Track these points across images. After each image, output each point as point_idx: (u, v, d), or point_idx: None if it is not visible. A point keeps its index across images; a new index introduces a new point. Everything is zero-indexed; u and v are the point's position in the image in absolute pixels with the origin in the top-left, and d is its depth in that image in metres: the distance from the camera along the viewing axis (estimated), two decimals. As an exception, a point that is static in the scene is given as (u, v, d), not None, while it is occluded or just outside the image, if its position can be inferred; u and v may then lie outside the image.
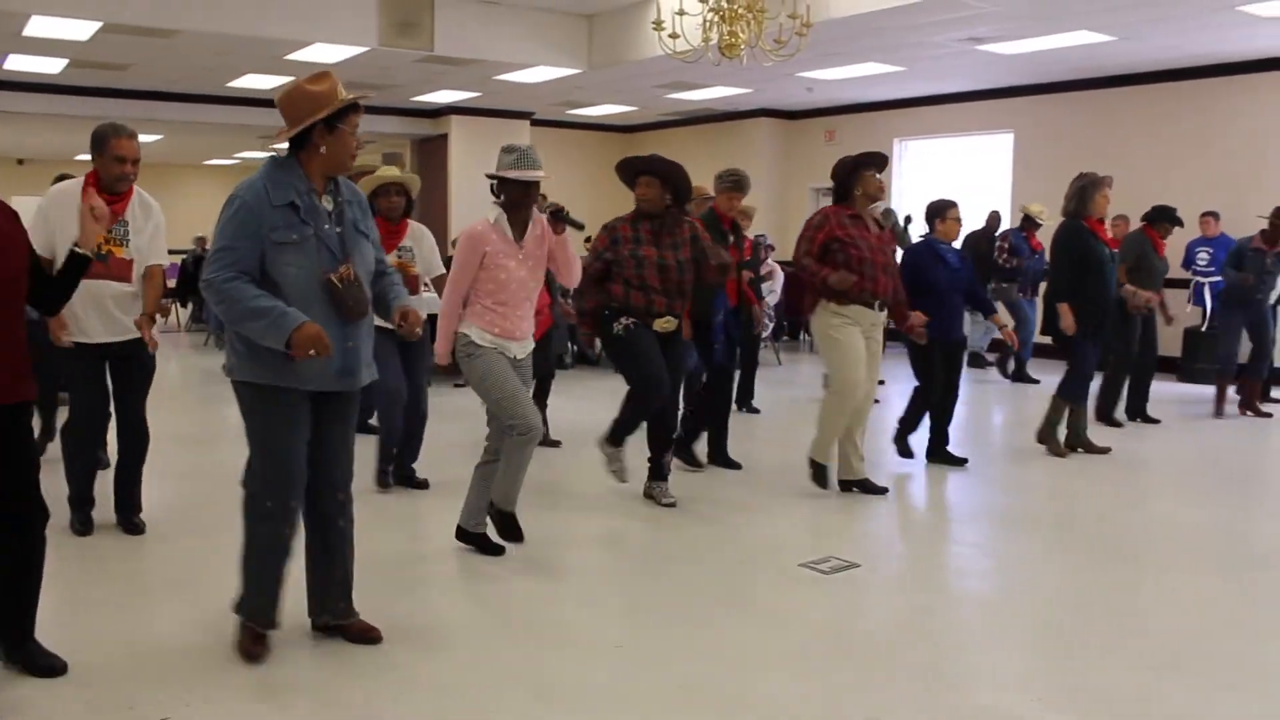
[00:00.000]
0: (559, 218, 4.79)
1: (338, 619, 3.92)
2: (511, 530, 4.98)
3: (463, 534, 5.04)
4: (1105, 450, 7.46)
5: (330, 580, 3.89)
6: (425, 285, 6.47)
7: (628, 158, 5.93)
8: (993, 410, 9.78)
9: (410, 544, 5.32)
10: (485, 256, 4.70)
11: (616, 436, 5.78)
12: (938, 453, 7.07)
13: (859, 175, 5.92)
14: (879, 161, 6.02)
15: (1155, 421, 8.70)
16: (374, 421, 6.79)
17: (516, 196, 4.72)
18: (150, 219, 5.05)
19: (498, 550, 4.97)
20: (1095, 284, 7.07)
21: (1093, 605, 4.49)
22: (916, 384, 6.97)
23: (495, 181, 4.76)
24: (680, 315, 5.77)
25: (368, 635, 3.89)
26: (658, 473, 5.99)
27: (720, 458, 6.93)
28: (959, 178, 14.22)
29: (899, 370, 10.47)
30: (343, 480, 3.84)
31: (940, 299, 6.71)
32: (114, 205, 4.80)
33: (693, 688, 3.59)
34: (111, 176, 4.81)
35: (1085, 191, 7.16)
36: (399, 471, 6.24)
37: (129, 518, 5.26)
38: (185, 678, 3.59)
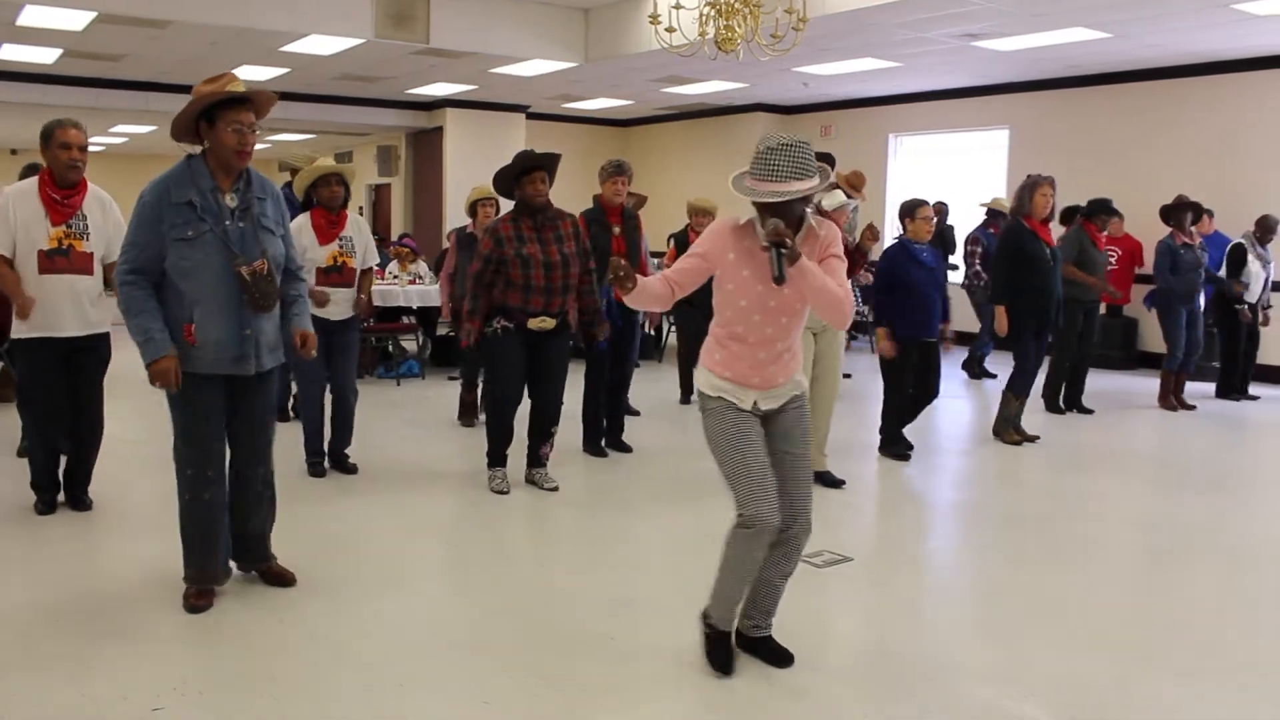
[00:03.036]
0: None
1: (254, 564, 4.37)
2: (718, 655, 3.64)
3: (707, 624, 3.71)
4: (1035, 438, 7.64)
5: (247, 531, 4.28)
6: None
7: (512, 163, 5.81)
8: (958, 404, 9.79)
9: (334, 527, 5.36)
10: (727, 264, 3.44)
11: (493, 457, 6.04)
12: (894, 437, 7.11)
13: None
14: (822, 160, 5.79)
15: (1089, 412, 8.86)
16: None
17: (759, 209, 3.40)
18: (109, 215, 5.20)
19: (720, 667, 3.62)
20: (1034, 282, 7.24)
21: (1066, 598, 4.52)
22: (884, 388, 7.01)
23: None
24: (562, 313, 5.84)
25: (282, 576, 4.34)
26: (535, 460, 6.13)
27: (615, 442, 7.12)
28: (954, 174, 14.23)
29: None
30: (260, 453, 4.24)
31: (916, 298, 6.73)
32: (70, 199, 5.04)
33: (674, 679, 3.61)
34: (61, 166, 4.97)
35: (1026, 191, 7.37)
36: (332, 456, 6.40)
37: (78, 495, 5.43)
38: (177, 668, 3.61)
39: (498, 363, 5.84)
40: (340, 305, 6.21)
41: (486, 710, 3.36)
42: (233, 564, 4.32)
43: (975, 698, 3.50)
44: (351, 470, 6.37)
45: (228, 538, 4.23)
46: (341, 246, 6.18)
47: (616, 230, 6.84)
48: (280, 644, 3.85)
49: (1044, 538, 5.45)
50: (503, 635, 3.97)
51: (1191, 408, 9.26)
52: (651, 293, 3.44)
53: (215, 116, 3.83)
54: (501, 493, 5.92)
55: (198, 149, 3.95)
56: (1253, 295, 9.57)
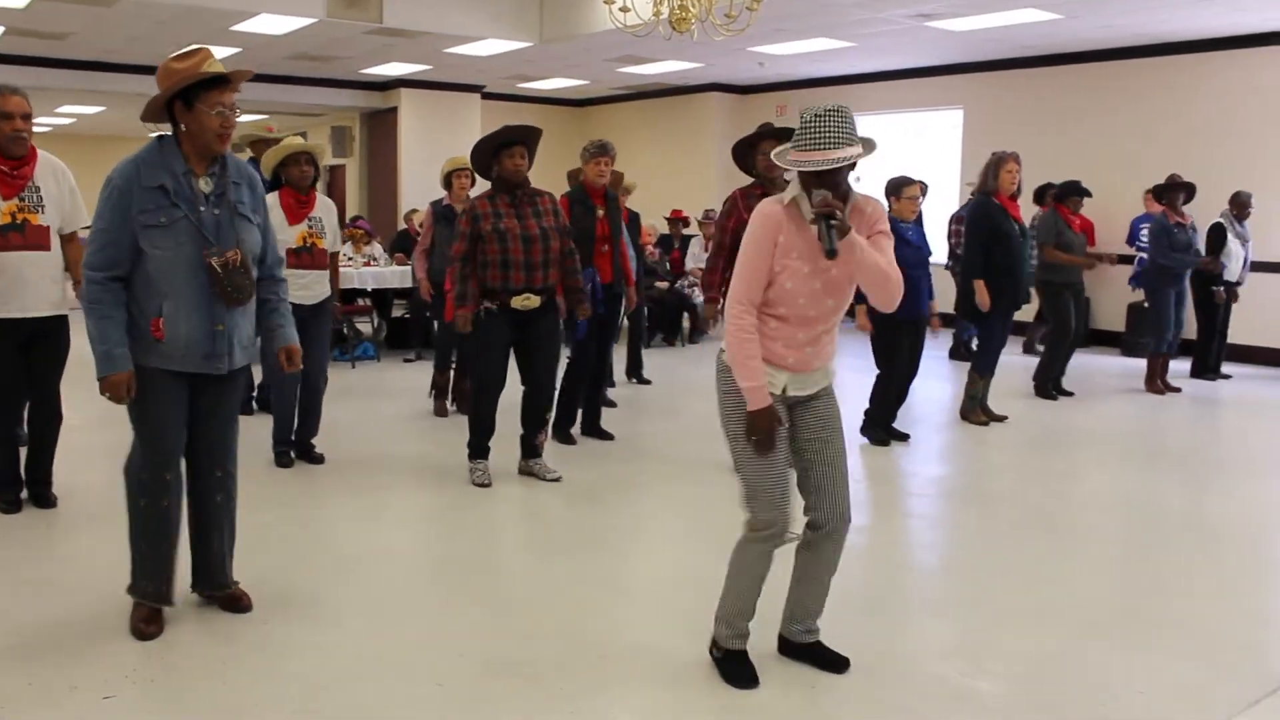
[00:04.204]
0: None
1: (213, 590, 4.00)
2: (739, 673, 3.43)
3: (717, 650, 3.53)
4: (1002, 418, 7.67)
5: (208, 553, 3.97)
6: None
7: (492, 134, 5.63)
8: (931, 385, 9.87)
9: (298, 519, 5.28)
10: (779, 246, 3.24)
11: (475, 449, 5.84)
12: (883, 421, 7.13)
13: (755, 152, 5.69)
14: (779, 135, 5.63)
15: (1069, 394, 8.85)
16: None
17: (806, 182, 3.22)
18: (63, 183, 4.97)
19: (746, 682, 3.41)
20: (1004, 258, 7.26)
21: (1024, 573, 4.58)
22: (878, 371, 7.00)
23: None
24: (547, 289, 5.64)
25: (238, 602, 3.98)
26: (530, 450, 5.94)
27: (593, 429, 6.99)
28: (910, 154, 14.28)
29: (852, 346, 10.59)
30: (222, 457, 3.90)
31: (903, 277, 6.72)
32: (19, 170, 4.78)
33: (642, 652, 3.62)
34: (4, 137, 4.73)
35: (991, 168, 7.39)
36: (298, 445, 6.26)
37: (41, 492, 5.23)
38: (127, 656, 3.57)
39: (480, 347, 5.65)
40: (314, 289, 6.05)
41: (441, 692, 3.36)
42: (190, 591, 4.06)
43: (929, 673, 3.54)
44: (318, 460, 6.23)
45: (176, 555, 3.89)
46: (311, 227, 6.04)
47: (600, 212, 6.68)
48: (234, 630, 3.82)
49: (1009, 516, 5.51)
50: (505, 642, 3.96)
51: (1177, 390, 9.26)
52: (758, 351, 3.22)
53: (194, 98, 3.54)
54: (483, 485, 5.75)
55: (166, 130, 3.70)
56: (1232, 274, 9.61)
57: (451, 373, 7.81)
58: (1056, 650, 3.75)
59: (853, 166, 3.23)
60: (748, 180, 5.89)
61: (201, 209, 3.60)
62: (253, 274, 3.73)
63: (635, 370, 9.33)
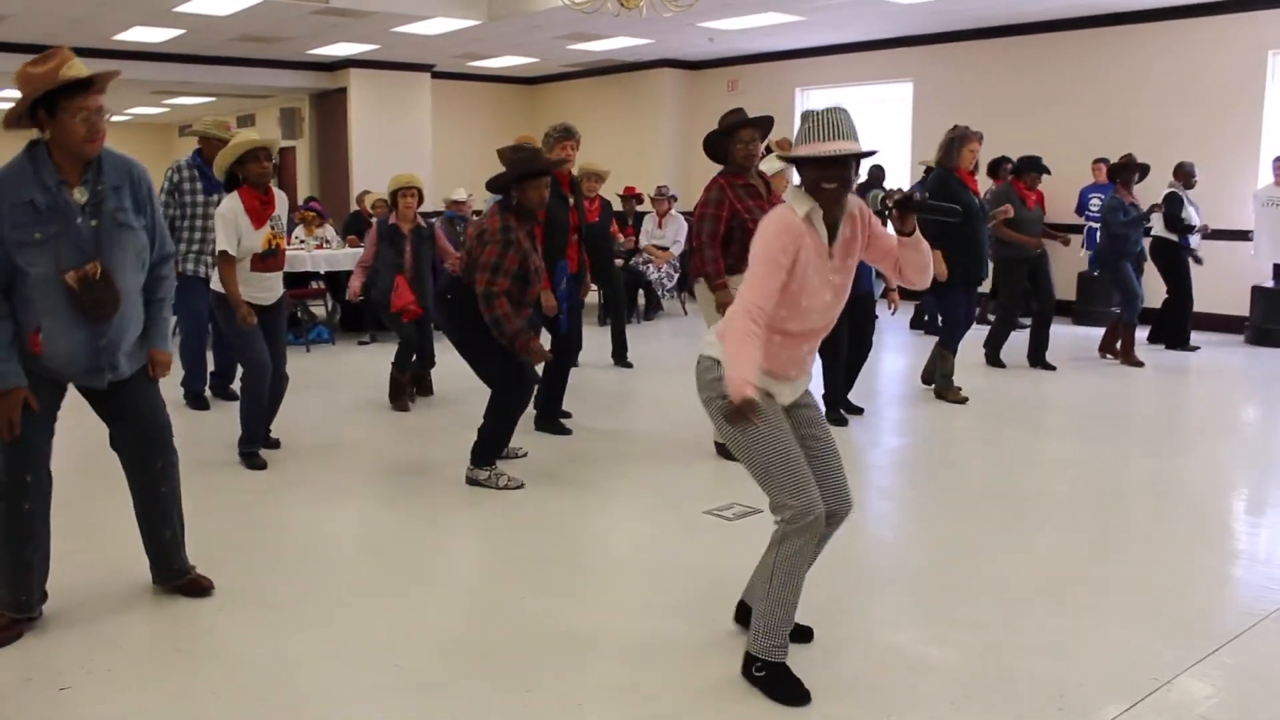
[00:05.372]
0: (905, 206, 3.25)
1: (172, 579, 3.98)
2: (788, 687, 3.22)
3: (759, 666, 3.29)
4: (963, 400, 7.64)
5: (160, 544, 3.93)
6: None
7: (518, 160, 5.29)
8: (890, 357, 9.95)
9: (251, 506, 5.24)
10: (795, 264, 3.15)
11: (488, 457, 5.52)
12: (839, 400, 7.17)
13: (731, 140, 5.65)
14: (758, 124, 5.69)
15: (1052, 368, 8.89)
16: (235, 388, 6.68)
17: (814, 179, 3.16)
18: None
19: (799, 699, 3.20)
20: (964, 232, 7.28)
21: (978, 543, 4.65)
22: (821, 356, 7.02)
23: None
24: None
25: (199, 586, 3.97)
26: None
27: (550, 423, 6.65)
28: (861, 128, 14.32)
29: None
30: (158, 449, 3.81)
31: None
32: None
33: (592, 634, 3.64)
34: None
35: (955, 144, 7.44)
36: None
37: None
38: (82, 647, 3.55)
39: (510, 360, 5.33)
40: (275, 290, 5.85)
41: (398, 674, 3.37)
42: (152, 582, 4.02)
43: (885, 644, 3.58)
44: (274, 445, 6.14)
45: (47, 564, 3.72)
46: (274, 228, 5.73)
47: (572, 201, 6.41)
48: (191, 619, 3.80)
49: (963, 486, 5.58)
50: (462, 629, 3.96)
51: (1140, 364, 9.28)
52: (751, 345, 3.03)
53: (56, 104, 3.35)
54: (516, 487, 5.45)
55: (35, 135, 3.46)
56: (1194, 240, 9.85)
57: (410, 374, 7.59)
58: (1009, 617, 3.82)
59: (858, 166, 3.25)
60: (707, 160, 5.80)
61: (78, 220, 3.42)
62: (116, 285, 3.48)
63: (620, 354, 9.13)
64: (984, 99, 12.75)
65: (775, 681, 3.22)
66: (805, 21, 12.42)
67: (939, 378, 7.77)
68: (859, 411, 7.16)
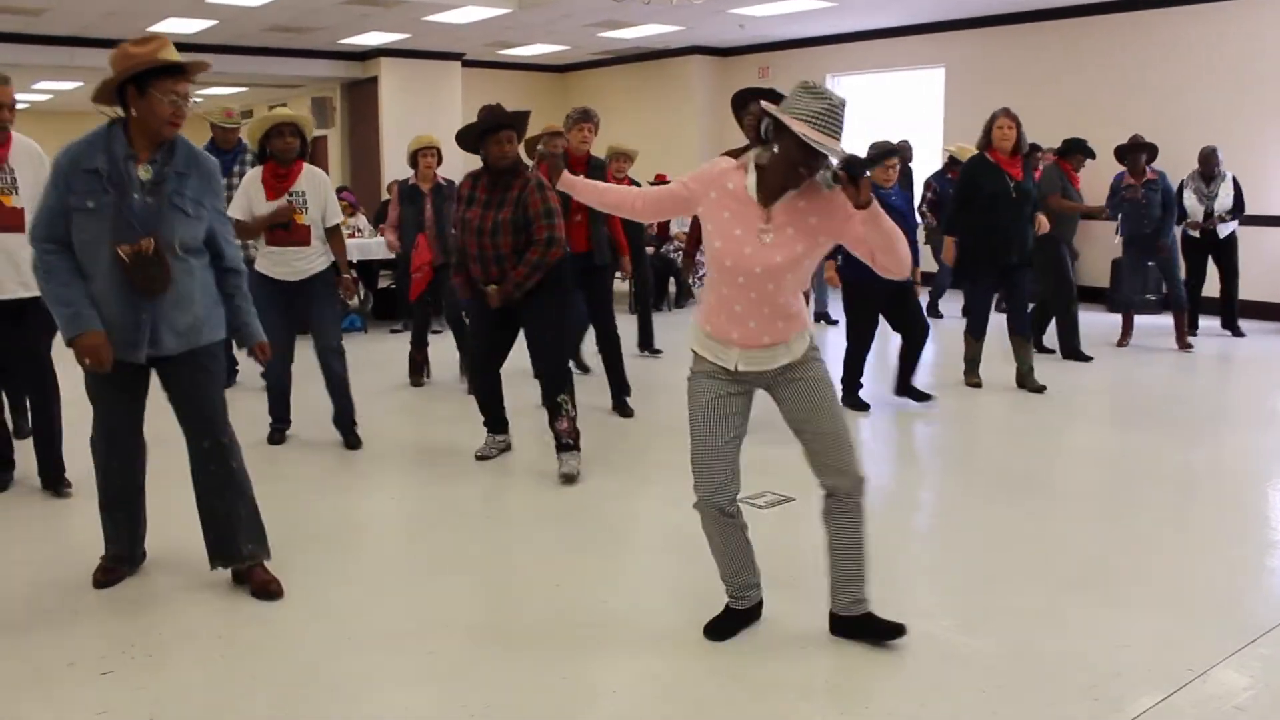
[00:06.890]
0: (848, 168, 3.03)
1: (233, 564, 3.95)
2: (709, 623, 3.59)
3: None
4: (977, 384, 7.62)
5: (214, 522, 3.91)
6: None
7: (476, 121, 5.26)
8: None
9: (283, 495, 5.27)
10: (706, 204, 3.27)
11: (484, 420, 5.79)
12: (904, 387, 7.12)
13: (744, 112, 5.58)
14: (767, 97, 5.49)
15: (1089, 358, 8.67)
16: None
17: (793, 158, 3.10)
18: (40, 169, 4.82)
19: (709, 632, 3.58)
20: (990, 220, 7.17)
21: (1008, 532, 4.63)
22: (847, 341, 6.99)
23: (769, 125, 3.14)
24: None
25: (266, 590, 3.89)
26: (555, 436, 5.44)
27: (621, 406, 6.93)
28: (893, 114, 14.26)
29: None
30: (207, 429, 3.83)
31: None
32: None
33: (623, 621, 3.66)
34: None
35: (986, 126, 7.33)
36: (338, 428, 6.11)
37: (54, 482, 5.14)
38: (125, 632, 3.60)
39: (472, 327, 5.63)
40: (295, 265, 5.83)
41: (434, 660, 3.40)
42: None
43: (918, 631, 3.57)
44: (355, 445, 6.03)
45: (143, 524, 4.09)
46: (291, 200, 5.75)
47: None
48: (229, 607, 3.84)
49: (993, 476, 5.56)
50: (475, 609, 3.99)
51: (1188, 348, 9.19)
52: (611, 197, 3.56)
53: (147, 84, 3.52)
54: (481, 458, 5.71)
55: (118, 113, 3.65)
56: (1193, 230, 9.77)
57: (428, 349, 7.96)
58: (1043, 607, 3.80)
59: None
60: (735, 143, 5.86)
61: (135, 195, 3.56)
62: (169, 265, 3.61)
63: (647, 342, 9.09)
64: (1016, 84, 12.62)
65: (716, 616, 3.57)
66: (837, 7, 12.35)
67: (966, 364, 7.70)
68: (927, 398, 7.10)
